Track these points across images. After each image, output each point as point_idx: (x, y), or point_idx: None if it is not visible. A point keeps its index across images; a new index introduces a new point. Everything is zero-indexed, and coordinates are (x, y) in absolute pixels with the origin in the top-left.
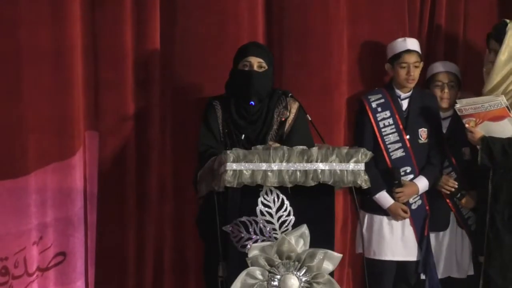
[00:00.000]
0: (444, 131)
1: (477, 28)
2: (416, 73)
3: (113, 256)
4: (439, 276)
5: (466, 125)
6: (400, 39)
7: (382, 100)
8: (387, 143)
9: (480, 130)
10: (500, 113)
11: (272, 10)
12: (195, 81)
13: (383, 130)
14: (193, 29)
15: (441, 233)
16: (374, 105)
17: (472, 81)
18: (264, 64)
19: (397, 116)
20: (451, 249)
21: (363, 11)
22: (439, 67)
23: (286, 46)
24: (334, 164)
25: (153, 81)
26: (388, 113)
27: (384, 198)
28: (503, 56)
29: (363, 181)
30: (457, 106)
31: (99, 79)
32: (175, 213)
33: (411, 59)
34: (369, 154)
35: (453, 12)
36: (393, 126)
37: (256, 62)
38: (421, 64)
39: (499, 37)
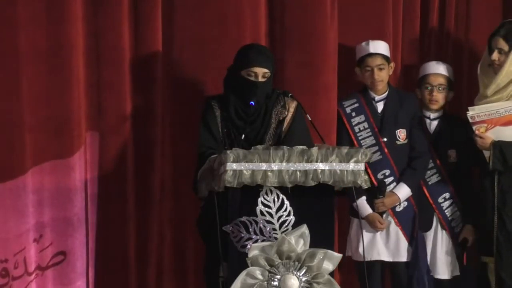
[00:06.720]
0: (431, 132)
1: (481, 30)
2: (382, 75)
3: (115, 256)
4: None
5: (476, 132)
6: (364, 43)
7: (357, 105)
8: (364, 147)
9: (490, 135)
10: None
11: (274, 9)
12: (196, 81)
13: (359, 134)
14: (193, 29)
15: (424, 233)
16: (348, 110)
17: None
18: (268, 74)
19: (371, 119)
20: (434, 250)
21: (355, 10)
22: (429, 68)
23: (288, 46)
24: (334, 164)
25: (155, 81)
26: (362, 117)
27: (363, 206)
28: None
29: (363, 181)
30: (470, 113)
31: (101, 79)
32: (176, 212)
33: (374, 62)
34: (369, 154)
35: (457, 14)
36: (368, 130)
37: (261, 73)
38: (392, 65)
39: (509, 37)
